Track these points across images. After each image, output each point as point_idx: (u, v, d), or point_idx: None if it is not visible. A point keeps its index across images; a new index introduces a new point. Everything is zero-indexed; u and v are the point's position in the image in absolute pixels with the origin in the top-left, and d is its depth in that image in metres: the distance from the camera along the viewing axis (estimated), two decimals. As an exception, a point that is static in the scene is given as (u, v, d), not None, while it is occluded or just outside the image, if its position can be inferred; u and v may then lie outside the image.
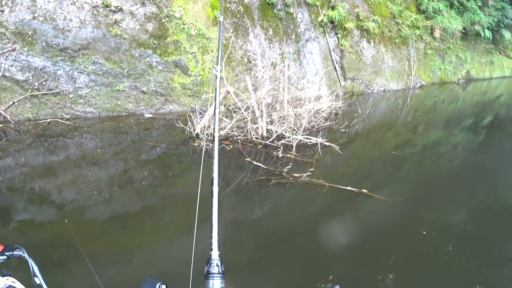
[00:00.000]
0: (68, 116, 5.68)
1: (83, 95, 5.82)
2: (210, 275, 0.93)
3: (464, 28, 14.06)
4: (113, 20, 6.04)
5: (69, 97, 5.72)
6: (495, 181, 4.73)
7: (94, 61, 5.88)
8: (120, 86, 6.10)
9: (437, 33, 13.35)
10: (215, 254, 1.00)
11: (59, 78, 5.63)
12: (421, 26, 12.85)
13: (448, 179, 4.64)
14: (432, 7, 12.94)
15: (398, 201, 3.67)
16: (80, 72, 5.78)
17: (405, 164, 5.14)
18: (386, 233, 3.05)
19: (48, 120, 5.41)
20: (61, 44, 5.60)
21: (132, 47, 6.23)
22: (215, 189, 1.25)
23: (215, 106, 1.72)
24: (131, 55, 6.21)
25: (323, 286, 2.31)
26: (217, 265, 0.95)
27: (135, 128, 5.71)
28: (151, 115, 6.30)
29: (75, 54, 5.72)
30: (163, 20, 6.58)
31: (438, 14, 13.10)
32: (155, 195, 3.55)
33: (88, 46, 5.83)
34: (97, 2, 5.89)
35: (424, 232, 3.09)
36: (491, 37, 15.86)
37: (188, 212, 3.33)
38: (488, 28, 15.09)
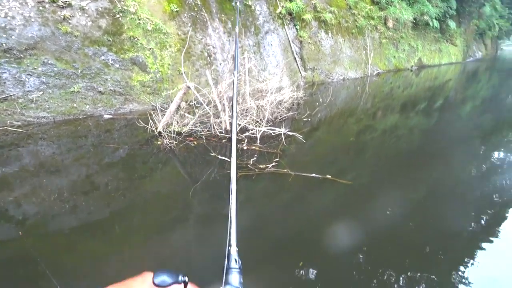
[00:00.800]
0: (19, 123, 5.33)
1: (34, 99, 5.48)
2: (230, 269, 0.94)
3: (414, 18, 14.83)
4: (62, 17, 5.72)
5: (18, 102, 5.35)
6: (448, 159, 5.06)
7: (43, 62, 5.54)
8: (75, 87, 5.81)
9: (390, 23, 13.95)
10: (233, 250, 1.03)
11: (5, 82, 5.25)
12: (375, 17, 13.36)
13: (406, 160, 4.90)
14: (385, -2, 13.49)
15: (361, 184, 3.83)
16: (28, 74, 5.43)
17: (366, 149, 5.35)
18: (351, 215, 3.18)
19: (-4, 128, 5.05)
20: (4, 45, 5.21)
21: (85, 45, 5.94)
22: (233, 186, 1.32)
23: (232, 110, 1.73)
24: (84, 54, 5.93)
25: (292, 273, 2.37)
26: (235, 260, 0.98)
27: (95, 130, 5.48)
28: (110, 116, 6.06)
29: (22, 55, 5.36)
30: (117, 16, 6.33)
31: (390, 5, 13.69)
32: (121, 199, 3.44)
33: (35, 46, 5.48)
34: (42, -2, 5.55)
35: (388, 212, 3.25)
36: (438, 27, 16.86)
37: (160, 212, 3.27)
38: (435, 18, 16.03)
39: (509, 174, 4.43)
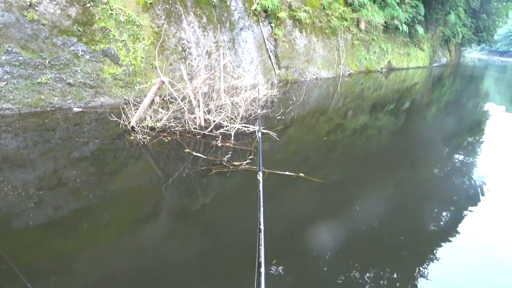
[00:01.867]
0: (-21, 113, 5.05)
1: (-3, 88, 5.20)
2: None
3: (385, 22, 15.36)
4: (28, 3, 5.45)
5: (-21, 90, 5.07)
6: (414, 158, 5.35)
7: (7, 50, 5.27)
8: (42, 78, 5.56)
9: (362, 25, 14.36)
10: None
11: (-36, 69, 4.95)
12: (348, 18, 13.70)
13: (375, 159, 5.12)
14: (358, 1, 13.86)
15: (333, 182, 3.97)
16: (-9, 62, 5.14)
17: (337, 147, 5.53)
18: (323, 213, 3.30)
19: (-46, 118, 4.76)
20: (-36, 30, 4.92)
21: (53, 34, 5.70)
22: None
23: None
24: (52, 44, 5.69)
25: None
26: None
27: (63, 124, 5.28)
28: (80, 109, 5.87)
29: (-17, 42, 5.08)
30: (88, 5, 6.12)
31: (363, 8, 14.09)
32: (90, 195, 3.36)
33: (-1, 33, 5.20)
34: (7, -18, 5.26)
35: (357, 208, 3.41)
36: (407, 31, 17.56)
37: (130, 209, 3.23)
38: (405, 23, 16.69)
39: (469, 172, 4.76)
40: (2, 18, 5.23)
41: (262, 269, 1.63)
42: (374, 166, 4.79)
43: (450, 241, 3.03)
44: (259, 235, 1.96)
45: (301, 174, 3.79)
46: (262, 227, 2.01)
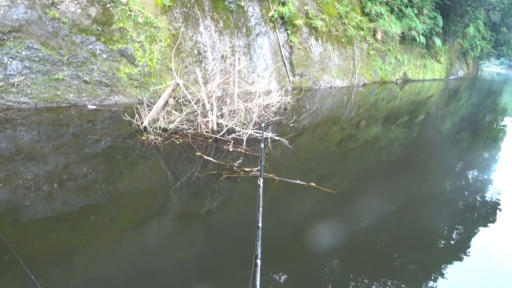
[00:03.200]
0: (-3, 106, 5.15)
1: (16, 84, 5.30)
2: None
3: (402, 33, 15.19)
4: (50, 1, 5.57)
5: (-2, 84, 5.17)
6: (426, 172, 5.24)
7: (28, 46, 5.38)
8: (59, 75, 5.65)
9: (379, 35, 14.24)
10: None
11: (-15, 63, 5.06)
12: (365, 28, 13.61)
13: (387, 171, 5.04)
14: (375, 11, 13.76)
15: (344, 193, 3.90)
16: (11, 57, 5.25)
17: (349, 158, 5.45)
18: (334, 225, 3.23)
19: (-28, 110, 4.86)
20: (-13, 25, 5.03)
21: (73, 32, 5.80)
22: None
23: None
24: (71, 41, 5.78)
25: (271, 280, 2.40)
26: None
27: (77, 120, 5.35)
28: (94, 107, 5.93)
29: (5, 37, 5.19)
30: (108, 5, 6.21)
31: (380, 18, 13.98)
32: (98, 192, 3.37)
33: (20, 29, 5.31)
34: (31, -20, 5.37)
35: (368, 223, 3.34)
36: (425, 43, 17.34)
37: (137, 208, 3.23)
38: (422, 34, 16.48)
39: (483, 187, 4.63)
40: (25, 15, 5.34)
41: (259, 261, 2.02)
42: (386, 178, 4.71)
43: (460, 257, 2.98)
44: (257, 231, 2.34)
45: (312, 184, 3.74)
46: (260, 224, 2.42)
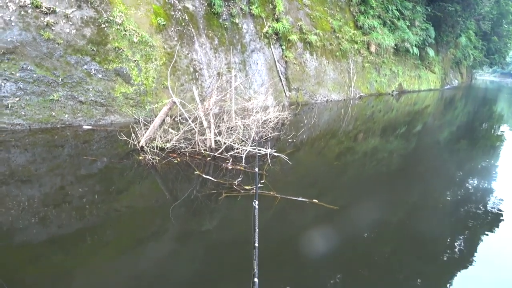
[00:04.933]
0: (-10, 129, 5.06)
1: (10, 105, 5.23)
2: None
3: (396, 45, 15.39)
4: (45, 23, 5.55)
5: (-9, 107, 5.10)
6: (426, 182, 5.16)
7: (22, 67, 5.33)
8: (54, 96, 5.59)
9: (373, 48, 14.41)
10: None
11: (-21, 86, 5.00)
12: (358, 41, 13.77)
13: (387, 184, 4.95)
14: (368, 24, 13.97)
15: (347, 209, 3.79)
16: (5, 79, 5.20)
17: (349, 171, 5.37)
18: (339, 242, 3.12)
19: (-35, 133, 4.76)
20: (-19, 48, 4.99)
21: (68, 53, 5.77)
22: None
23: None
24: (66, 62, 5.75)
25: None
26: None
27: (72, 141, 5.26)
28: (90, 127, 5.85)
29: (-1, 59, 5.14)
30: (103, 25, 6.21)
31: (373, 31, 14.17)
32: (94, 214, 3.26)
33: (14, 50, 5.28)
34: (25, 1, 5.38)
35: (370, 236, 3.24)
36: (418, 54, 17.57)
37: (135, 230, 3.11)
38: (415, 45, 16.70)
39: (484, 197, 4.55)
40: (20, 36, 5.32)
41: (256, 279, 2.12)
42: (387, 191, 4.62)
43: (464, 270, 2.89)
44: (254, 251, 2.45)
45: (314, 200, 3.64)
46: (256, 244, 2.55)
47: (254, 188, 3.77)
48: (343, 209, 3.68)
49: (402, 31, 15.77)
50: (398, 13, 15.57)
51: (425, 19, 17.86)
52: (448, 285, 2.70)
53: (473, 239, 3.44)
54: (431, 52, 19.01)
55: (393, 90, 16.21)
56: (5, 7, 5.24)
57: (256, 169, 4.15)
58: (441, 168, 6.03)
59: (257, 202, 3.22)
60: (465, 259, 3.05)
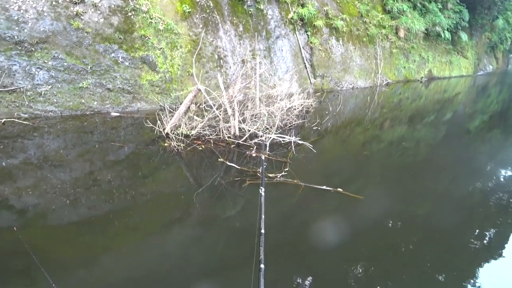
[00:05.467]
0: (26, 116, 5.30)
1: (43, 93, 5.45)
2: None
3: (426, 29, 14.69)
4: (74, 12, 5.69)
5: (26, 95, 5.33)
6: (455, 173, 4.96)
7: (54, 56, 5.51)
8: (83, 83, 5.77)
9: (401, 33, 13.83)
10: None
11: (14, 74, 5.23)
12: (387, 26, 13.25)
13: (414, 174, 4.81)
14: (397, 8, 13.38)
15: (372, 199, 3.72)
16: (38, 67, 5.40)
17: (374, 161, 5.25)
18: (364, 232, 3.09)
19: (3, 120, 5.01)
20: (16, 37, 5.20)
21: (96, 41, 5.91)
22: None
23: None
24: (95, 50, 5.89)
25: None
26: None
27: (101, 127, 5.43)
28: (117, 114, 6.01)
29: (33, 48, 5.34)
30: (129, 14, 6.30)
31: (402, 15, 13.58)
32: (122, 198, 3.38)
33: (47, 40, 5.46)
34: (56, -8, 5.51)
35: (399, 226, 3.18)
36: (450, 38, 16.70)
37: (160, 214, 3.20)
38: (447, 29, 15.88)
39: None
40: (51, 26, 5.48)
41: (262, 265, 2.14)
42: (415, 181, 4.49)
43: (491, 264, 2.81)
44: (260, 238, 2.50)
45: (339, 189, 3.60)
46: (263, 231, 2.58)
47: (279, 175, 3.78)
48: (368, 199, 3.61)
49: (434, 14, 15.01)
50: (429, -5, 14.84)
51: (458, 1, 16.89)
52: (474, 278, 2.61)
53: (503, 233, 3.30)
54: (464, 36, 18.01)
55: (422, 77, 15.57)
56: (37, -3, 5.41)
57: (263, 156, 4.13)
58: (472, 159, 5.78)
59: (263, 189, 3.25)
60: (492, 253, 2.94)
